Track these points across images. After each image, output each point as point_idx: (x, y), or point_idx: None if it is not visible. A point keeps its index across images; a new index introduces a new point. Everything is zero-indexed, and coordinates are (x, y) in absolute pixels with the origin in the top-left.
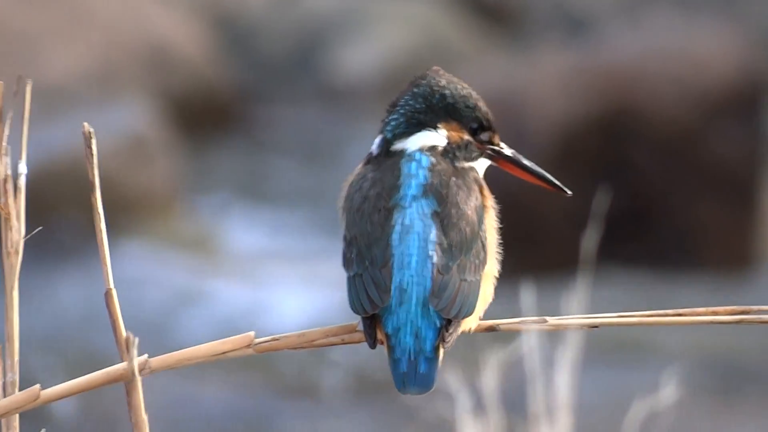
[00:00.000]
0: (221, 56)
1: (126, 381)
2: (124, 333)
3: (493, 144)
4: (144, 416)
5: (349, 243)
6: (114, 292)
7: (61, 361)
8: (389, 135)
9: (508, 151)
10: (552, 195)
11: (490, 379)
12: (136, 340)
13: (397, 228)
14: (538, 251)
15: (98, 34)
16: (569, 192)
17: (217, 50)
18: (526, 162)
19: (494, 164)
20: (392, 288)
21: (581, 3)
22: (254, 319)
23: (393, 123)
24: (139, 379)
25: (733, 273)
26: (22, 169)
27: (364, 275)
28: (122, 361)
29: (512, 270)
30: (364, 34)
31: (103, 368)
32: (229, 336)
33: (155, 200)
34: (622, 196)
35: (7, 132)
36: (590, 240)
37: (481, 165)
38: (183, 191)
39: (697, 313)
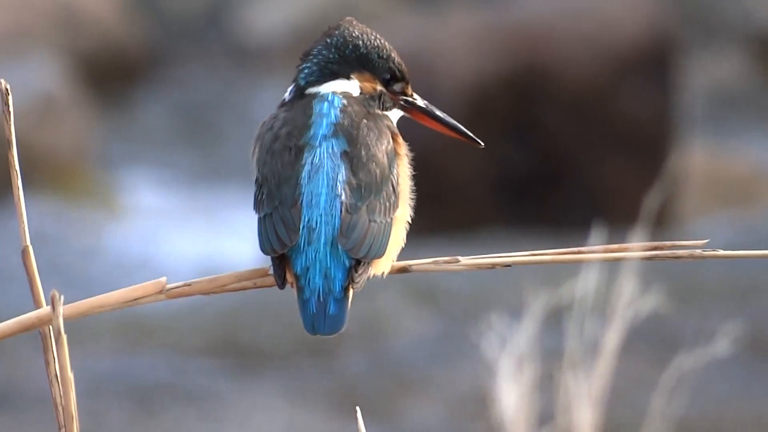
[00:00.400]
0: (130, 15)
1: (38, 329)
2: (41, 289)
3: (406, 95)
4: (70, 373)
5: (261, 184)
6: (30, 249)
7: None
8: (302, 82)
9: (421, 102)
10: (461, 153)
11: (531, 323)
12: (62, 297)
13: (307, 167)
14: (447, 209)
15: None
16: (482, 144)
17: (126, 9)
18: (439, 113)
19: (407, 115)
20: (301, 227)
21: None
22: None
23: (306, 71)
24: (64, 335)
25: (643, 231)
26: None
27: (274, 215)
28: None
29: (420, 227)
30: None
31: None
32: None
33: (63, 159)
34: (532, 155)
35: None
36: (500, 198)
37: (395, 116)
38: (91, 150)
39: (610, 249)
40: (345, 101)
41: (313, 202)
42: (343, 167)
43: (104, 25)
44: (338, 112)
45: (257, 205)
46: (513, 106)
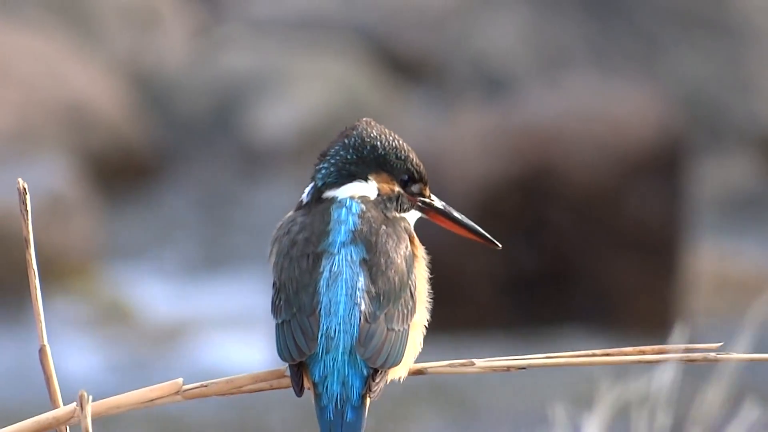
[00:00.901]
0: (139, 114)
1: (55, 429)
2: (58, 389)
3: (423, 196)
4: None
5: (278, 289)
6: (48, 349)
7: None
8: (320, 183)
9: (438, 203)
10: (469, 252)
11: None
12: (90, 397)
13: (325, 274)
14: (456, 307)
15: (15, 92)
16: (499, 245)
17: (135, 108)
18: (456, 214)
19: (425, 216)
20: (319, 336)
21: (500, 63)
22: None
23: (324, 171)
24: None
25: (652, 334)
26: None
27: (292, 322)
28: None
29: (430, 325)
30: (282, 93)
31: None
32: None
33: (71, 259)
34: (541, 255)
35: None
36: (509, 297)
37: (412, 217)
38: (99, 251)
39: (624, 353)
40: (363, 206)
41: (332, 310)
42: (362, 275)
43: (113, 125)
44: (357, 219)
45: (275, 311)
46: (522, 206)
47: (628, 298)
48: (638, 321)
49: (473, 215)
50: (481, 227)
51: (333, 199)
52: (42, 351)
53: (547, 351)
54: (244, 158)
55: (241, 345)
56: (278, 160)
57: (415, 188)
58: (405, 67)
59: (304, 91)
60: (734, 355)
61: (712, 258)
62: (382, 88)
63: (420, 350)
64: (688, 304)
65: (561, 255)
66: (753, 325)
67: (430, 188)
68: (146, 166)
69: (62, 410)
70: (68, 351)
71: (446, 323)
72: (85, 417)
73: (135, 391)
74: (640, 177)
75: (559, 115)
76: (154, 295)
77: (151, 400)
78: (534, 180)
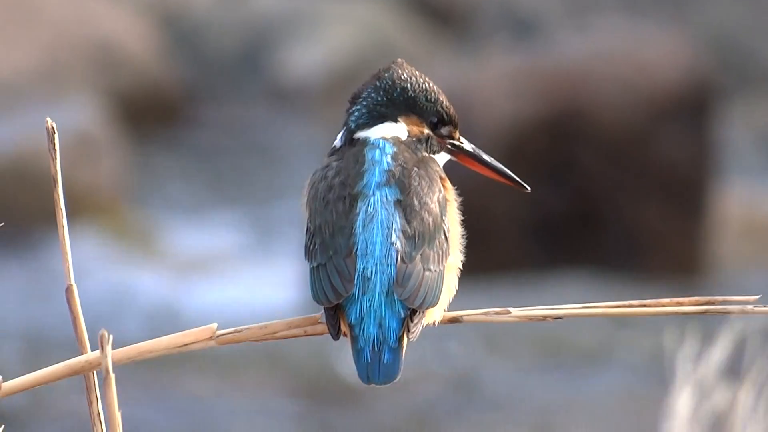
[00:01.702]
0: (168, 55)
1: (84, 373)
2: (84, 328)
3: (453, 138)
4: (117, 413)
5: (313, 234)
6: (75, 288)
7: (11, 352)
8: (353, 125)
9: (468, 145)
10: (496, 195)
11: (716, 352)
12: (111, 337)
13: (361, 216)
14: (482, 251)
15: (44, 32)
16: (528, 188)
17: (164, 49)
18: (486, 157)
19: (454, 159)
20: (356, 277)
21: (529, 5)
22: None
23: (356, 114)
24: (112, 375)
25: (678, 276)
26: None
27: (328, 265)
28: (80, 355)
29: (463, 268)
30: (311, 34)
31: (61, 361)
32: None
33: (101, 198)
34: (569, 197)
35: None
36: (535, 240)
37: (441, 159)
38: (127, 190)
39: (661, 303)
40: (396, 148)
41: (368, 251)
42: (398, 216)
43: (142, 65)
44: (390, 160)
45: (309, 255)
46: (550, 149)
47: (656, 240)
48: (666, 263)
49: (501, 157)
50: (508, 168)
51: (365, 141)
52: (69, 290)
53: (574, 293)
54: (272, 99)
55: (269, 281)
56: (307, 101)
57: (444, 131)
58: (434, 10)
59: (334, 33)
60: None
61: (741, 201)
62: (412, 30)
63: (455, 293)
64: (715, 248)
65: (588, 197)
66: None
67: (460, 131)
68: (174, 106)
69: (94, 354)
70: (96, 290)
71: (474, 267)
72: (105, 357)
73: (168, 336)
74: (668, 120)
75: (588, 58)
76: (183, 233)
77: (185, 345)
78: (562, 122)
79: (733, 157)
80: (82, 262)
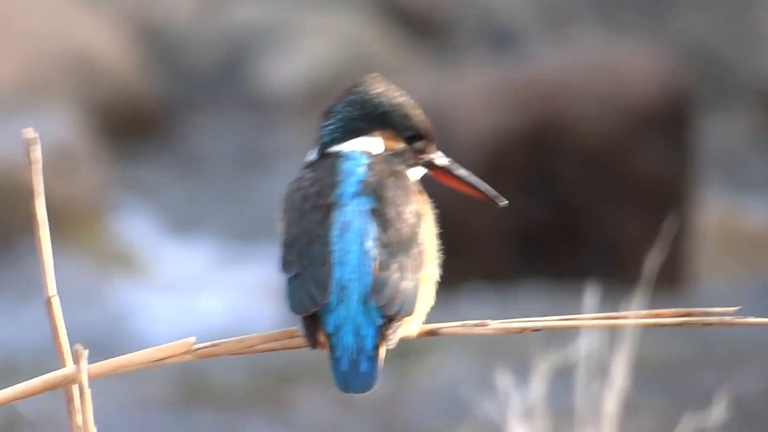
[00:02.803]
0: (147, 66)
1: (64, 387)
2: (64, 341)
3: (428, 153)
4: (94, 429)
5: (290, 245)
6: (55, 300)
7: None
8: (327, 139)
9: (442, 160)
10: (479, 208)
11: (539, 382)
12: (86, 352)
13: (337, 225)
14: (462, 262)
15: (22, 43)
16: (504, 202)
17: (143, 60)
18: (461, 171)
19: (430, 173)
20: (332, 285)
21: (507, 17)
22: (179, 329)
23: (330, 128)
24: (88, 391)
25: (658, 287)
26: None
27: (305, 274)
28: (60, 369)
29: (442, 280)
30: (291, 45)
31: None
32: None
33: (79, 211)
34: (548, 209)
35: None
36: (515, 251)
37: (417, 173)
38: (107, 202)
39: (640, 315)
40: (371, 159)
41: (345, 259)
42: (373, 225)
43: (120, 76)
44: (365, 170)
45: (285, 266)
46: (529, 160)
47: (635, 251)
48: (645, 275)
49: (481, 169)
50: (487, 182)
51: (339, 153)
52: (49, 303)
53: (553, 305)
54: (252, 110)
55: (249, 294)
56: (287, 112)
57: (419, 145)
58: (413, 21)
59: (313, 44)
60: (751, 319)
61: (720, 213)
62: (390, 42)
63: (432, 304)
64: (695, 259)
65: (568, 209)
66: (755, 281)
67: (437, 145)
68: (154, 117)
69: (71, 369)
70: (75, 304)
71: (453, 278)
72: (80, 372)
73: (145, 350)
74: (646, 131)
75: (566, 70)
76: (162, 245)
77: (161, 359)
78: (541, 134)
79: (712, 169)
80: (59, 276)
